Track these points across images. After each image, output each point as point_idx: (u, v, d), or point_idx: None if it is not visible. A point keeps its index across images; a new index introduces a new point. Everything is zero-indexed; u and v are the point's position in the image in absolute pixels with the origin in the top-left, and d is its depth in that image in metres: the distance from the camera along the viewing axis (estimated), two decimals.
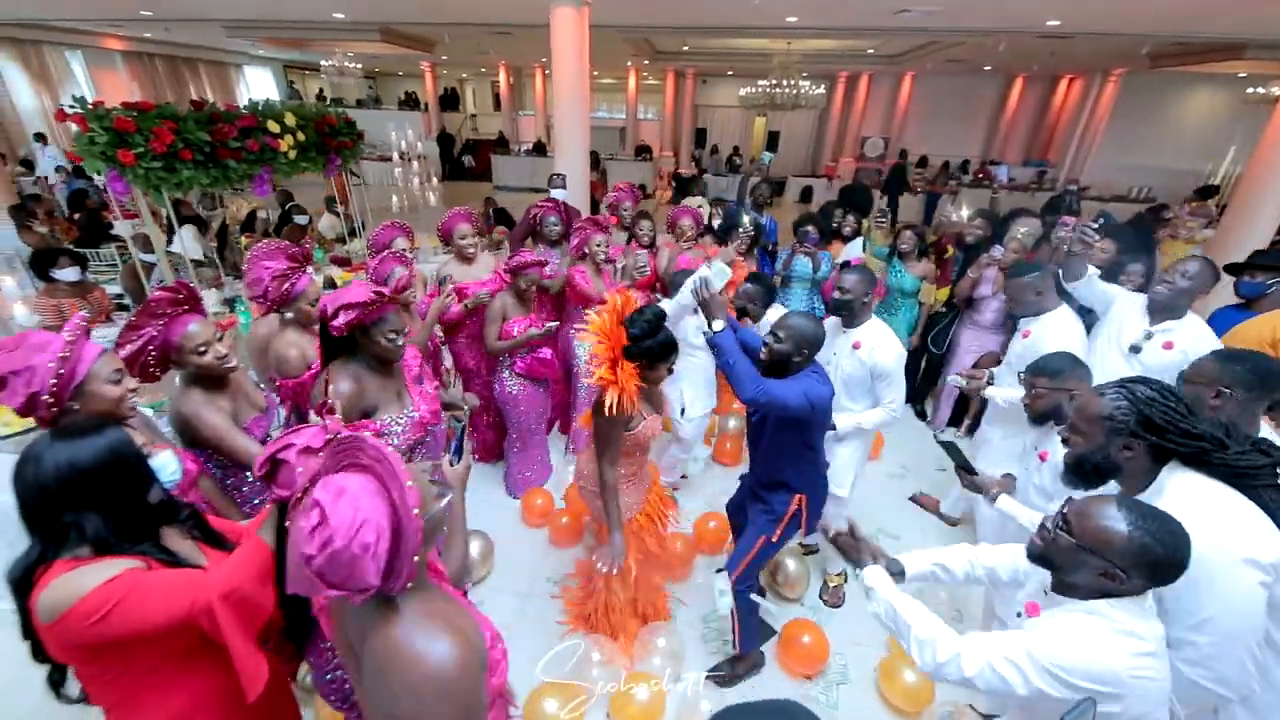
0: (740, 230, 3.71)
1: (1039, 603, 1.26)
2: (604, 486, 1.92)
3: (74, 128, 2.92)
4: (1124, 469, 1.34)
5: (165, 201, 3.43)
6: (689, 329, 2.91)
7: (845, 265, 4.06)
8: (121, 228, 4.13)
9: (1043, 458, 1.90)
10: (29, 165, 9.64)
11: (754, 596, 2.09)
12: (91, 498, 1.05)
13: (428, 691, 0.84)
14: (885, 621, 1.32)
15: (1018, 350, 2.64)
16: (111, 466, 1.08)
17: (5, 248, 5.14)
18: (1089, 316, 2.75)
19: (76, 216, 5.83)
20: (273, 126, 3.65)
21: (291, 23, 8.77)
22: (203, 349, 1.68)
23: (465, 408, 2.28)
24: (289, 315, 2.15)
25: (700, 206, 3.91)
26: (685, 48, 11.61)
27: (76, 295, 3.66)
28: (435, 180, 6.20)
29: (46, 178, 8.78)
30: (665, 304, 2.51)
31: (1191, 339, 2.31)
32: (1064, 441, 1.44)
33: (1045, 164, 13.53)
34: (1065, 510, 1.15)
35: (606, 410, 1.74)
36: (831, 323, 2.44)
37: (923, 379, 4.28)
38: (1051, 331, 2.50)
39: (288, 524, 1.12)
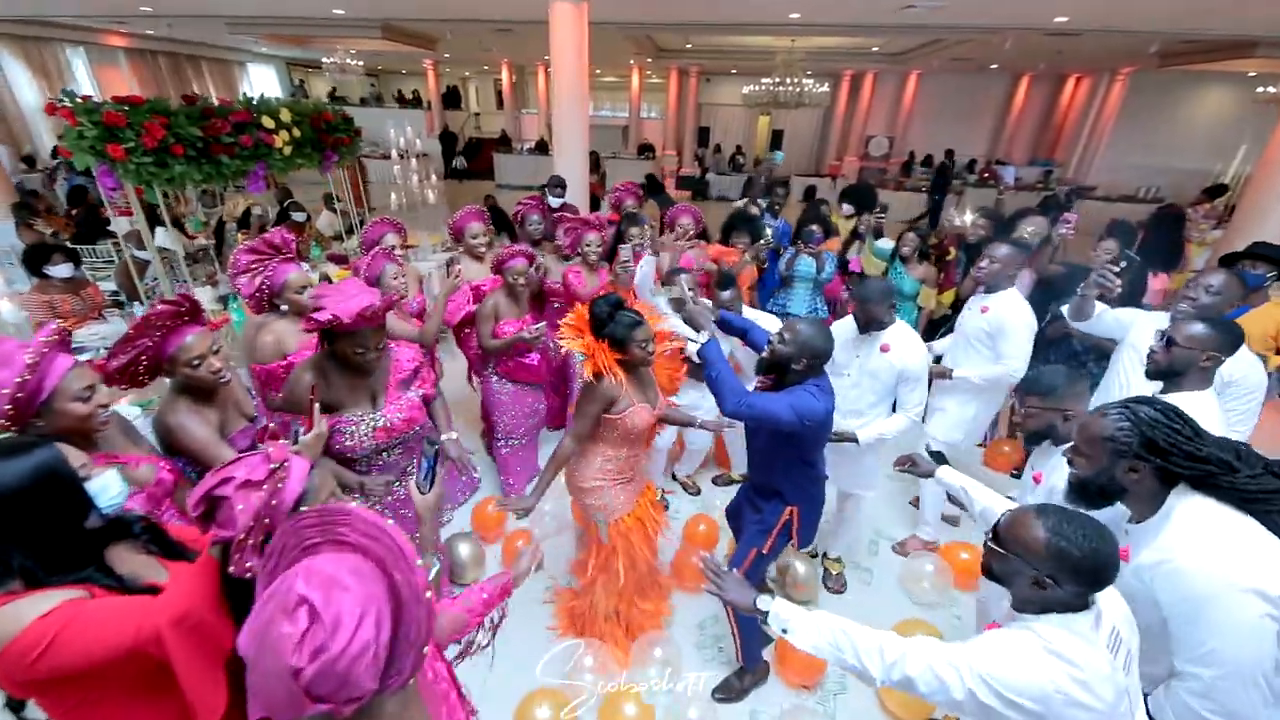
0: (763, 241, 3.70)
1: (999, 623, 1.24)
2: (557, 454, 1.92)
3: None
4: (1130, 492, 1.29)
5: (157, 198, 3.39)
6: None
7: (844, 269, 4.02)
8: (118, 224, 4.09)
9: (1037, 480, 1.77)
10: (30, 162, 9.64)
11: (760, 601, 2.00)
12: (13, 528, 0.96)
13: None
14: (829, 654, 1.24)
15: (977, 324, 2.66)
16: (36, 492, 0.98)
17: (1, 244, 5.11)
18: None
19: (74, 212, 5.81)
20: (267, 122, 3.61)
21: (292, 19, 8.73)
22: (197, 362, 1.63)
23: (443, 437, 2.12)
24: (284, 309, 2.10)
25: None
26: (688, 46, 11.53)
27: (69, 292, 3.62)
28: (434, 178, 6.15)
29: (51, 175, 8.77)
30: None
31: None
32: (1070, 463, 1.38)
33: (1051, 163, 13.42)
34: (997, 521, 1.18)
35: (587, 375, 1.78)
36: (852, 326, 2.38)
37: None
38: (1008, 309, 2.56)
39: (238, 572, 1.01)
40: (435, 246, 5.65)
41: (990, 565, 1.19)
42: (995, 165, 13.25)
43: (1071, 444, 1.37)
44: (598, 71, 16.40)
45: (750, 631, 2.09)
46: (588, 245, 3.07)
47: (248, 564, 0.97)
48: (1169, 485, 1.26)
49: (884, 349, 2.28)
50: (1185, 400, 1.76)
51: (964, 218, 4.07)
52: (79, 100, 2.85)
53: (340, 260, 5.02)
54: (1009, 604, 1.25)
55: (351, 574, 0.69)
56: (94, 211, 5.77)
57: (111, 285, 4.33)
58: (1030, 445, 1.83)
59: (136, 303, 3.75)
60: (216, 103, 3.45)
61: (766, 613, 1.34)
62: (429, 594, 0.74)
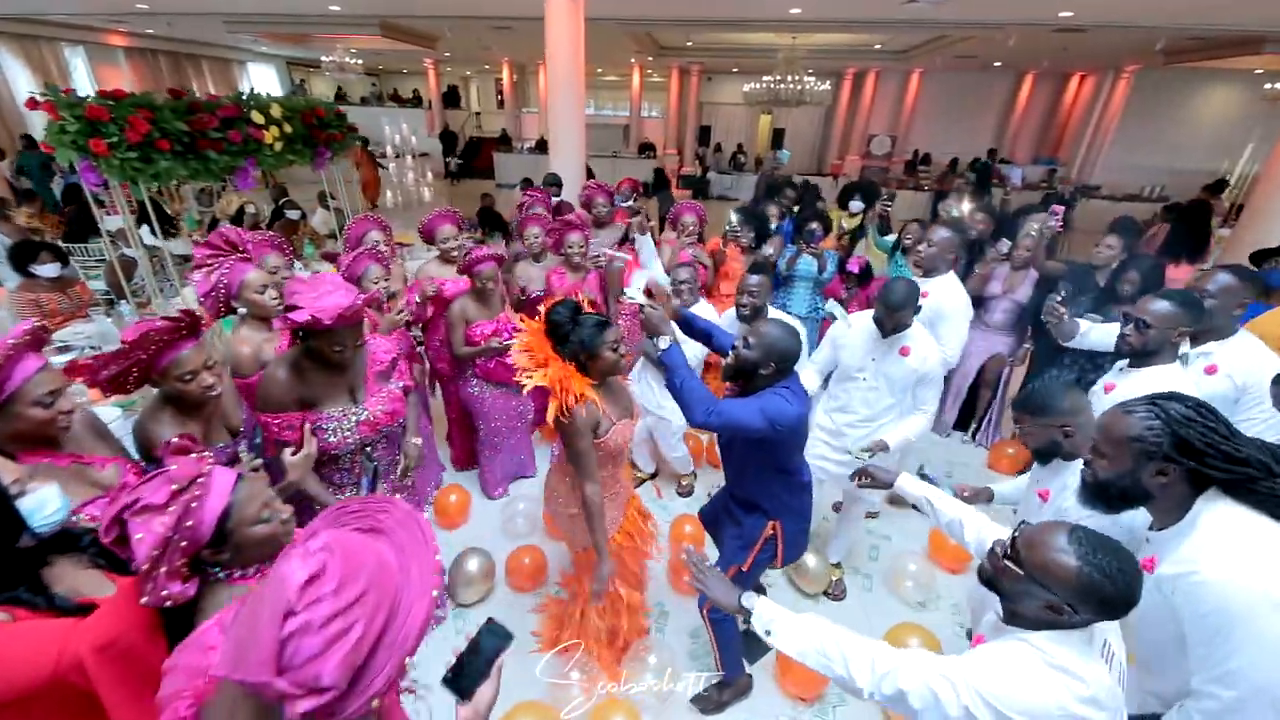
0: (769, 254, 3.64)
1: (985, 635, 1.17)
2: (588, 508, 1.74)
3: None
4: (1156, 497, 1.18)
5: (143, 194, 3.33)
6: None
7: (842, 270, 3.93)
8: (110, 222, 4.04)
9: (1043, 497, 1.66)
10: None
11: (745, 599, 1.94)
12: None
13: None
14: (813, 661, 1.17)
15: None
16: None
17: None
18: None
19: (66, 210, 5.76)
20: (257, 117, 3.55)
21: (289, 16, 8.69)
22: (189, 377, 1.55)
23: (410, 439, 2.03)
24: (242, 311, 2.03)
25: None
26: (689, 43, 11.46)
27: (57, 290, 3.57)
28: (430, 176, 6.09)
29: (51, 174, 8.73)
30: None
31: (1239, 361, 2.01)
32: (1086, 464, 1.27)
33: (1055, 162, 13.30)
34: (1016, 536, 1.07)
35: (559, 415, 1.61)
36: (869, 327, 2.27)
37: None
38: (947, 294, 2.61)
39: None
40: (429, 246, 5.59)
41: (996, 580, 1.09)
42: (999, 164, 13.14)
43: (1092, 445, 1.27)
44: (599, 70, 16.34)
45: (728, 641, 2.01)
46: (570, 247, 2.98)
47: (163, 592, 0.89)
48: (1198, 489, 1.16)
49: (904, 352, 2.20)
50: (1159, 375, 1.85)
51: (962, 205, 4.00)
52: (61, 94, 2.79)
53: (333, 258, 4.96)
54: (994, 615, 1.17)
55: (374, 555, 0.68)
56: (86, 209, 5.72)
57: (102, 284, 4.29)
58: (1042, 463, 1.68)
59: (124, 302, 3.69)
60: (203, 97, 3.38)
61: (751, 611, 1.26)
62: (435, 592, 0.70)
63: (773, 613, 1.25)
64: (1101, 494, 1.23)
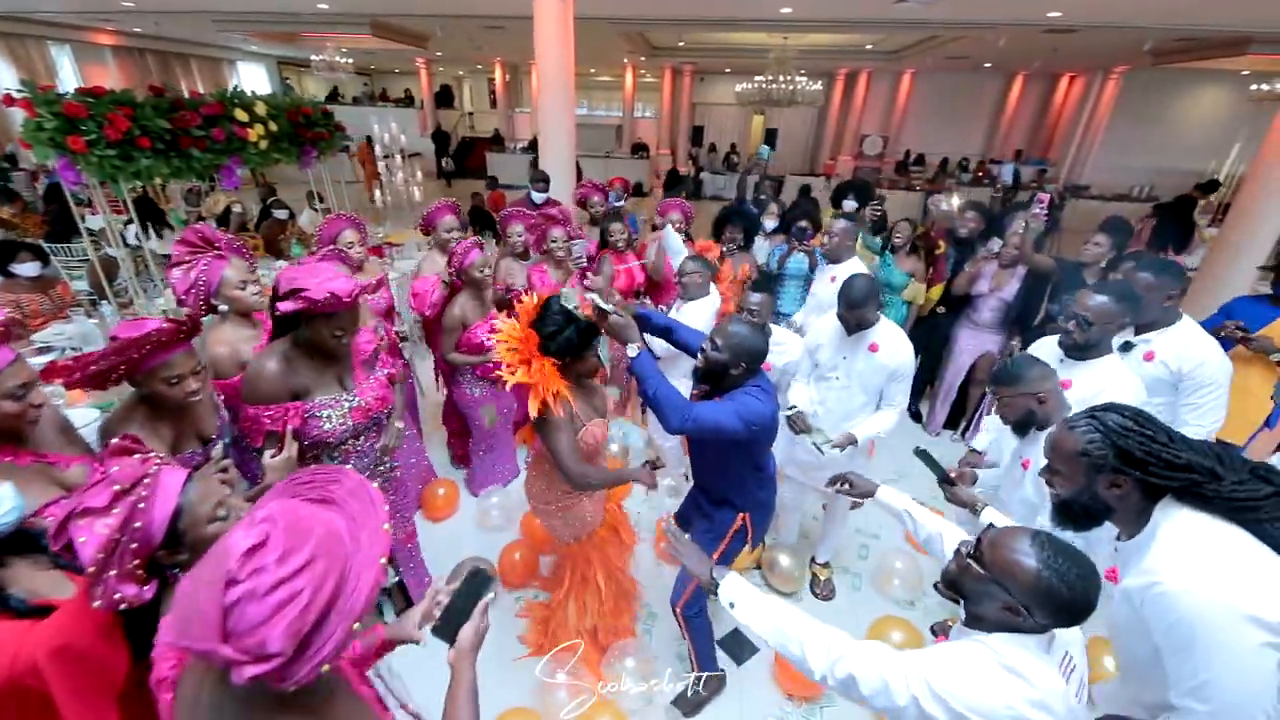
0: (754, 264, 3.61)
1: (946, 636, 1.17)
2: (581, 483, 1.73)
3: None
4: (1117, 509, 1.18)
5: (123, 193, 3.28)
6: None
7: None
8: (93, 221, 3.97)
9: (1025, 466, 1.79)
10: (13, 160, 9.48)
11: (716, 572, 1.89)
12: None
13: None
14: (771, 638, 1.21)
15: (830, 291, 2.59)
16: None
17: None
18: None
19: (48, 209, 5.68)
20: (241, 115, 3.50)
21: (278, 15, 8.62)
22: (175, 380, 1.51)
23: (394, 423, 2.04)
24: (223, 309, 2.00)
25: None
26: (681, 43, 11.46)
27: (38, 290, 3.52)
28: (419, 175, 6.05)
29: (35, 173, 8.62)
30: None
31: (1174, 348, 2.09)
32: (1048, 484, 1.29)
33: (1045, 162, 13.39)
34: (981, 537, 1.11)
35: (538, 411, 1.61)
36: (836, 326, 2.28)
37: (919, 379, 4.14)
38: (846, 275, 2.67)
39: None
40: (421, 244, 5.55)
41: (958, 580, 1.11)
42: (990, 164, 13.21)
43: (1045, 465, 1.28)
44: (591, 70, 16.33)
45: (703, 637, 2.02)
46: (553, 242, 2.95)
47: (116, 595, 0.87)
48: (1154, 498, 1.16)
49: (873, 349, 2.20)
50: (1105, 365, 1.93)
51: (952, 201, 4.00)
52: (38, 90, 2.74)
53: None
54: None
55: (323, 524, 0.68)
56: (69, 208, 5.64)
57: (84, 285, 4.23)
58: (1019, 434, 1.82)
59: (106, 302, 3.64)
60: (187, 94, 3.34)
61: (718, 583, 1.30)
62: (383, 559, 0.71)
63: (739, 588, 1.28)
64: (1067, 512, 1.24)
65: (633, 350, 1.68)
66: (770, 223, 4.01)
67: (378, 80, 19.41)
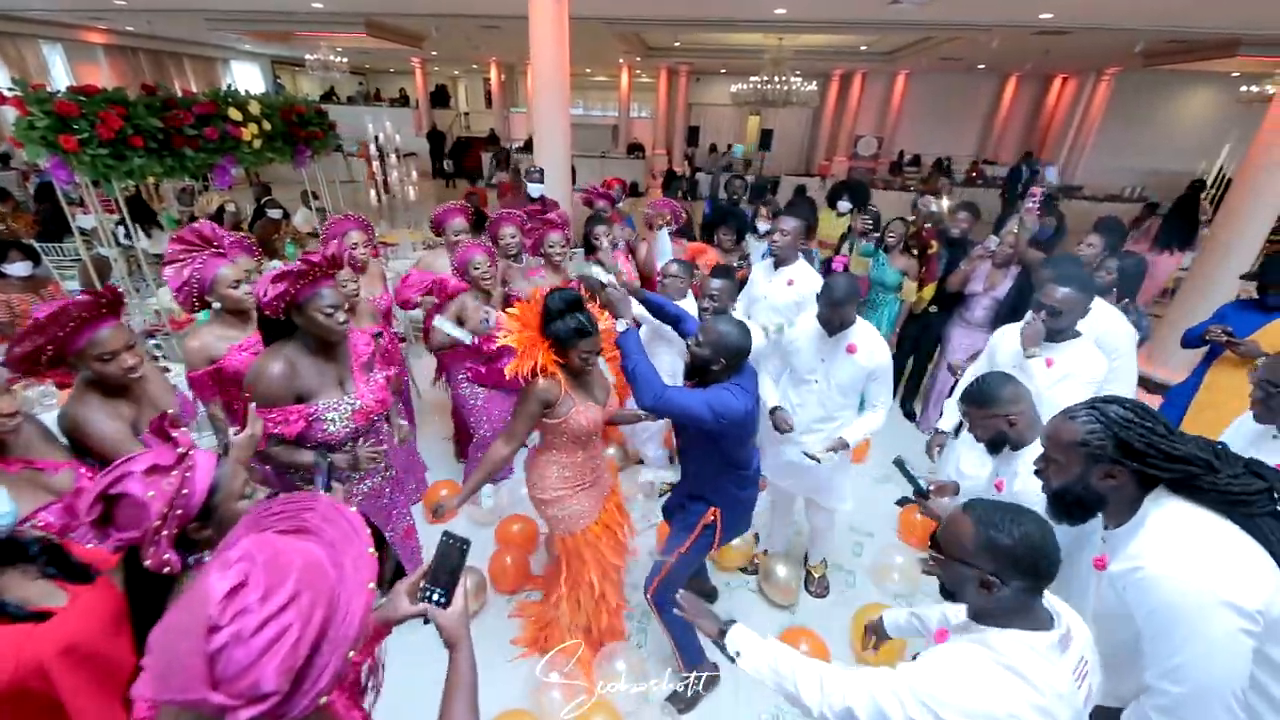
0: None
1: (947, 629, 1.21)
2: (484, 458, 1.81)
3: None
4: (1110, 500, 1.20)
5: (115, 192, 3.27)
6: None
7: (827, 270, 3.94)
8: (84, 221, 3.96)
9: (998, 488, 1.73)
10: (4, 160, 9.41)
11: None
12: None
13: None
14: (769, 679, 1.24)
15: (788, 294, 2.84)
16: None
17: None
18: None
19: (40, 209, 5.65)
20: (234, 114, 3.49)
21: (272, 14, 8.58)
22: (108, 356, 1.51)
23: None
24: (217, 307, 2.00)
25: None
26: (677, 44, 11.47)
27: (29, 290, 3.49)
28: (415, 175, 6.05)
29: (26, 174, 8.55)
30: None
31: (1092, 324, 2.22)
32: (1038, 474, 1.29)
33: (1038, 163, 13.46)
34: (932, 534, 1.16)
35: (508, 373, 1.68)
36: (814, 328, 2.26)
37: (910, 378, 4.17)
38: (805, 277, 2.85)
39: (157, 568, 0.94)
40: (415, 244, 5.55)
41: (941, 580, 1.14)
42: (982, 164, 13.27)
43: (1041, 454, 1.29)
44: (587, 71, 16.31)
45: (681, 631, 2.03)
46: (550, 246, 2.95)
47: (165, 556, 0.90)
48: (1146, 489, 1.18)
49: (850, 350, 2.18)
50: (1080, 347, 2.08)
51: (941, 202, 4.03)
52: (30, 89, 2.73)
53: None
54: (961, 615, 1.18)
55: (301, 555, 0.66)
56: (61, 208, 5.62)
57: (76, 285, 4.21)
58: (993, 453, 1.79)
59: None
60: (180, 93, 3.33)
61: (726, 632, 1.35)
62: (370, 585, 0.69)
63: (742, 638, 1.32)
64: (1060, 502, 1.25)
65: (621, 325, 1.76)
66: (764, 225, 4.03)
67: (372, 80, 19.33)
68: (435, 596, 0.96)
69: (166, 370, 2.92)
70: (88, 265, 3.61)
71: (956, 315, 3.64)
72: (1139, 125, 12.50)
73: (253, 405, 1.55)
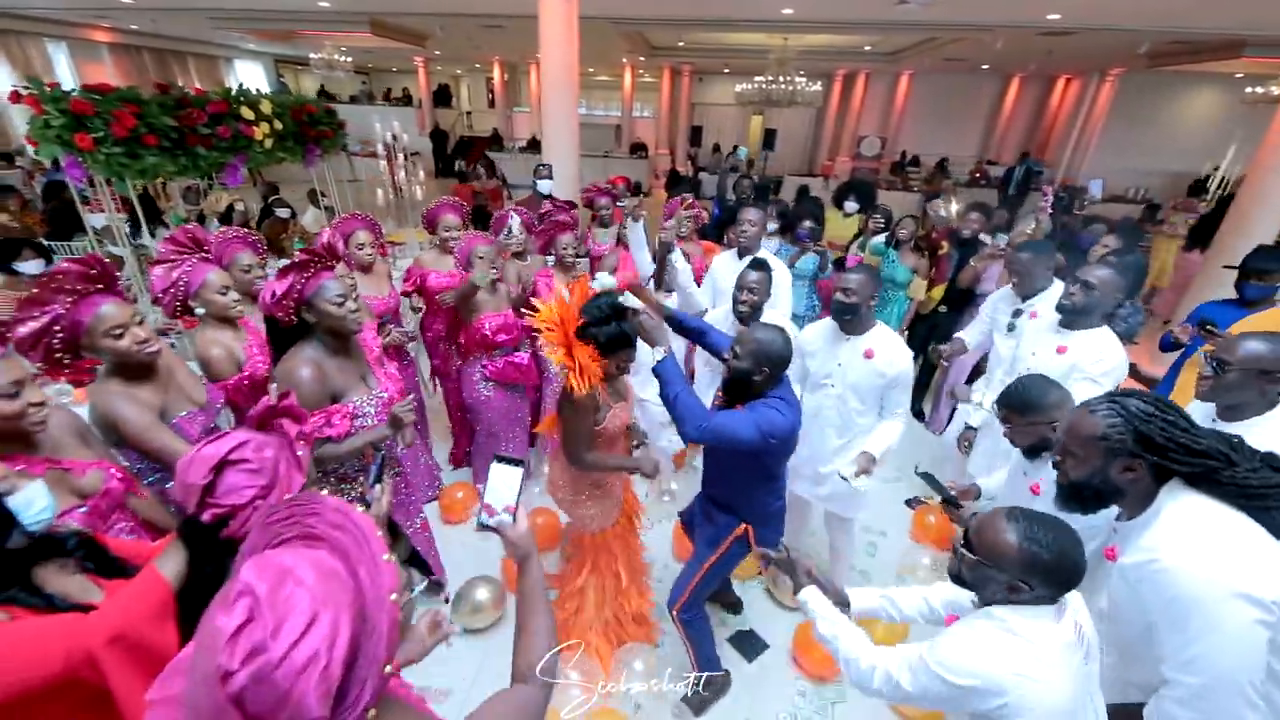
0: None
1: (959, 614, 1.26)
2: (590, 466, 1.78)
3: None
4: (1127, 492, 1.20)
5: (129, 190, 3.27)
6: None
7: (840, 267, 3.94)
8: (92, 219, 3.96)
9: (1035, 491, 1.66)
10: (9, 159, 9.42)
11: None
12: None
13: None
14: (827, 639, 1.35)
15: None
16: None
17: None
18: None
19: (46, 207, 5.65)
20: (246, 113, 3.50)
21: (278, 13, 8.58)
22: (117, 331, 1.48)
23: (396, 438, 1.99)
24: (199, 311, 1.98)
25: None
26: (680, 44, 11.47)
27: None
28: (422, 174, 6.05)
29: (31, 173, 8.55)
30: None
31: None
32: (1055, 465, 1.29)
33: (1041, 164, 13.46)
34: (967, 527, 1.18)
35: (571, 390, 1.61)
36: (830, 329, 2.20)
37: (920, 377, 4.17)
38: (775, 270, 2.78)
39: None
40: (422, 244, 5.55)
41: (960, 572, 1.18)
42: (986, 164, 13.25)
43: (1058, 446, 1.29)
44: (590, 70, 16.31)
45: (701, 639, 2.01)
46: (564, 248, 2.93)
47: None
48: (1161, 481, 1.19)
49: (868, 355, 2.09)
50: (1099, 336, 2.07)
51: (950, 208, 4.03)
52: (45, 87, 2.73)
53: None
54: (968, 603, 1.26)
55: (313, 568, 0.60)
56: (69, 207, 5.62)
57: None
58: (1030, 457, 1.70)
59: None
60: (192, 92, 3.33)
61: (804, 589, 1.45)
62: (394, 596, 0.64)
63: (815, 604, 1.42)
64: (1076, 495, 1.25)
65: (659, 353, 1.68)
66: (771, 223, 4.03)
67: (375, 79, 19.34)
68: (499, 519, 1.05)
69: None
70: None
71: (966, 315, 3.64)
72: (1143, 126, 12.48)
73: (272, 386, 1.56)
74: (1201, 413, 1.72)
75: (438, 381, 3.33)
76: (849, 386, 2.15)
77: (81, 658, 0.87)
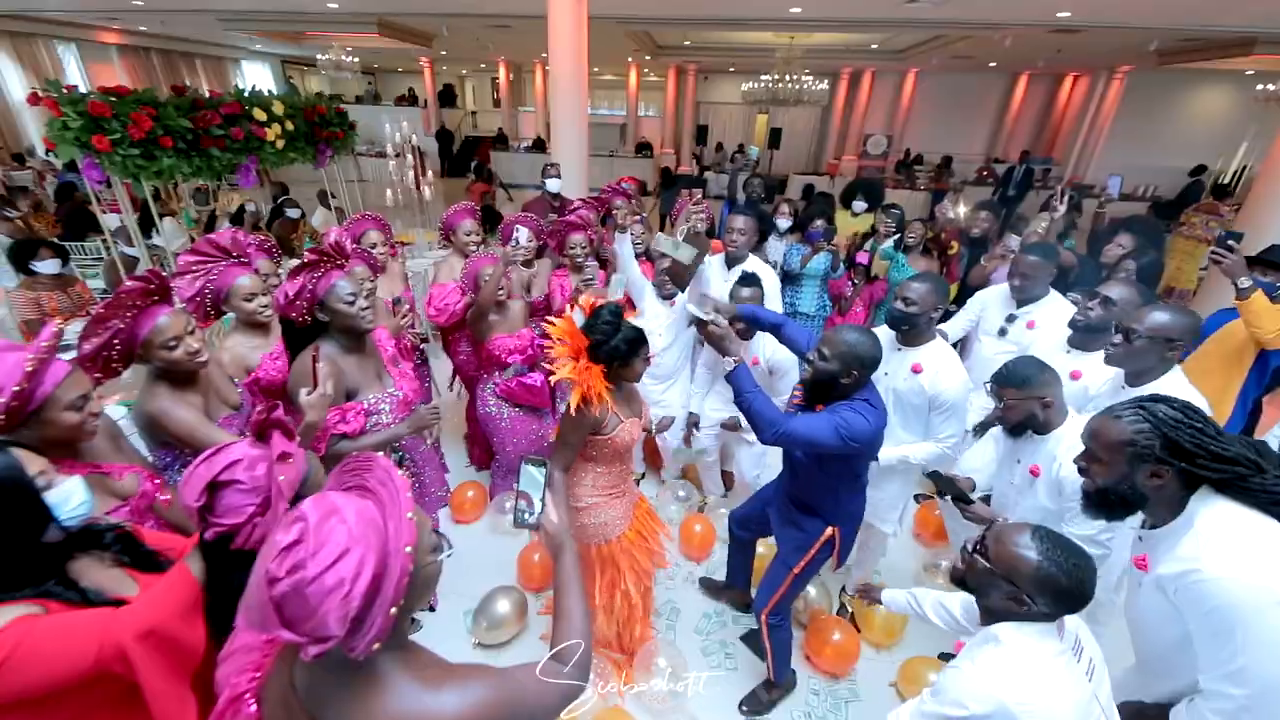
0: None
1: (965, 642, 1.26)
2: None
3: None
4: (1152, 499, 1.19)
5: (145, 192, 3.31)
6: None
7: (851, 264, 3.92)
8: (107, 220, 3.99)
9: (1034, 473, 1.68)
10: (20, 160, 9.50)
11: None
12: None
13: None
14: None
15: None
16: None
17: None
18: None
19: (59, 209, 5.71)
20: (259, 115, 3.52)
21: (287, 14, 8.63)
22: (173, 344, 1.53)
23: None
24: (232, 317, 2.00)
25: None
26: (686, 43, 11.46)
27: (57, 289, 3.53)
28: (431, 175, 6.07)
29: (42, 174, 8.63)
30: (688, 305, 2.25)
31: (1055, 315, 2.40)
32: (1081, 472, 1.29)
33: (1050, 162, 13.39)
34: (985, 534, 1.19)
35: (572, 409, 1.61)
36: (887, 337, 2.09)
37: None
38: (765, 273, 2.81)
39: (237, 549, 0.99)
40: (431, 244, 5.57)
41: (966, 576, 1.20)
42: (993, 163, 13.19)
43: (1083, 452, 1.28)
44: (595, 70, 16.30)
45: (782, 645, 2.02)
46: (573, 249, 2.90)
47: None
48: (1190, 489, 1.17)
49: (915, 369, 1.99)
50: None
51: (958, 209, 4.02)
52: (64, 90, 2.76)
53: None
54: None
55: (356, 514, 0.71)
56: (82, 208, 5.67)
57: (100, 283, 4.25)
58: (1014, 437, 1.76)
59: None
60: (207, 94, 3.36)
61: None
62: (408, 549, 0.72)
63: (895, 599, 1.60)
64: (1103, 501, 1.24)
65: (729, 363, 1.66)
66: (784, 222, 4.02)
67: (381, 79, 19.40)
68: (532, 516, 1.12)
69: None
70: (116, 263, 3.65)
71: None
72: (1152, 123, 12.40)
73: (320, 365, 1.56)
74: (1110, 379, 1.88)
75: (462, 387, 3.32)
76: (892, 397, 2.03)
77: (113, 652, 0.89)
